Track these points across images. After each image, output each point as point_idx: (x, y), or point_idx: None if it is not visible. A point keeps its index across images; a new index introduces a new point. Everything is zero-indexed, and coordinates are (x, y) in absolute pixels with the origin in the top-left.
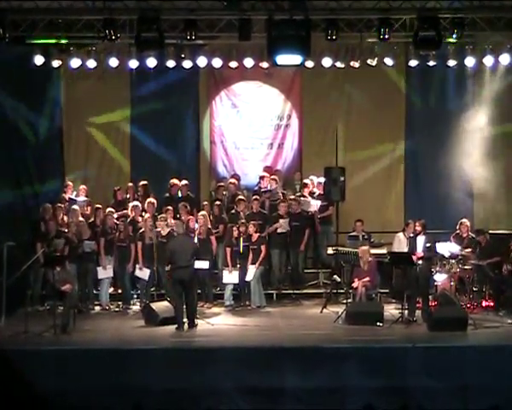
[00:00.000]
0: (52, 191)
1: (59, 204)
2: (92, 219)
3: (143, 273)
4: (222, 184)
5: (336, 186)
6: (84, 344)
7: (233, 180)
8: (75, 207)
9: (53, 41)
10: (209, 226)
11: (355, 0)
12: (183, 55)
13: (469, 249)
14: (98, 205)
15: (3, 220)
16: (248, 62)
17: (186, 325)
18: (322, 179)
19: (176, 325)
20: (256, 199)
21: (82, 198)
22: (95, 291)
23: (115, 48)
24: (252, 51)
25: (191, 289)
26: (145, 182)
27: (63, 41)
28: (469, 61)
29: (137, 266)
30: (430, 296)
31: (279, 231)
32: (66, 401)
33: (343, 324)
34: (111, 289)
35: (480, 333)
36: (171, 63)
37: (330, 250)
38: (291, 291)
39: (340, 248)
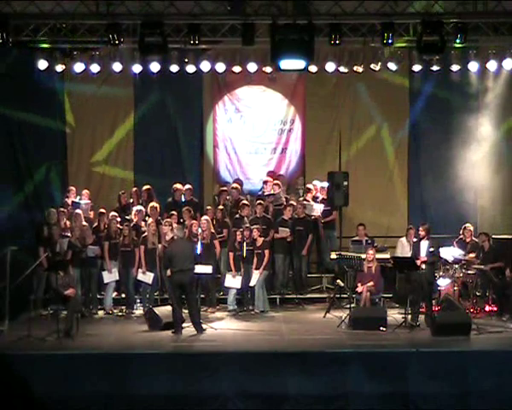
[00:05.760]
0: (55, 195)
1: (61, 209)
2: (96, 224)
3: (146, 277)
4: (224, 188)
5: (339, 191)
6: (88, 349)
7: (235, 185)
8: (78, 211)
9: (56, 45)
10: (212, 231)
11: (359, 0)
12: (186, 60)
13: (473, 254)
14: (102, 210)
15: (7, 225)
16: (252, 67)
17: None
18: (326, 184)
19: (173, 330)
20: (260, 204)
21: (85, 201)
22: (98, 296)
23: (119, 52)
24: (255, 56)
25: (191, 293)
26: (149, 186)
27: (66, 45)
28: (473, 66)
29: (140, 270)
30: (433, 301)
31: (283, 235)
32: (68, 406)
33: (346, 328)
34: (114, 294)
35: (484, 338)
36: (174, 68)
37: (333, 255)
38: (294, 296)
39: (343, 253)
